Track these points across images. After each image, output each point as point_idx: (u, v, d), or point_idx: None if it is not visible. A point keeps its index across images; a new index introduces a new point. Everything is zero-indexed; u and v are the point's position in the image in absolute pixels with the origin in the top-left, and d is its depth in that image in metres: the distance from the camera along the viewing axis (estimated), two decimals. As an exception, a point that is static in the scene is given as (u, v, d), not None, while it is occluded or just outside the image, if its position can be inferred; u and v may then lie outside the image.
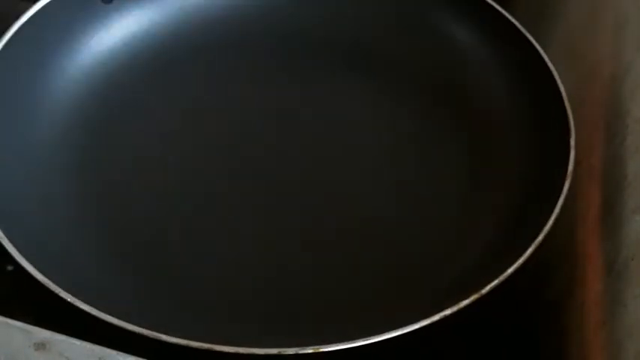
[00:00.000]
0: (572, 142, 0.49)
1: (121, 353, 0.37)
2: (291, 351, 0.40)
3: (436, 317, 0.41)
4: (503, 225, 0.50)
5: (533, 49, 0.55)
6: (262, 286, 0.49)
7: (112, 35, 0.59)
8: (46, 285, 0.42)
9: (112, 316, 0.40)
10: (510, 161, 0.53)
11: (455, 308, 0.42)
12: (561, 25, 0.63)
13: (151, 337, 0.40)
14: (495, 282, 0.43)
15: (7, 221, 0.45)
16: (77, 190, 0.52)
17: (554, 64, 0.54)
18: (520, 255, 0.44)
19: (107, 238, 0.50)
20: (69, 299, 0.41)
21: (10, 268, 0.45)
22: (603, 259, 0.45)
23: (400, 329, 0.41)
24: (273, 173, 0.54)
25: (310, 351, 0.40)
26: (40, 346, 0.36)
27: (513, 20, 0.57)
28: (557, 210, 0.46)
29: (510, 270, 0.44)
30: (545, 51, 0.55)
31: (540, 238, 0.45)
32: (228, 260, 0.50)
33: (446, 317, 0.42)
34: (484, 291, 0.43)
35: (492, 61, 0.58)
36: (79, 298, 0.41)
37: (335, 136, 0.56)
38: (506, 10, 0.57)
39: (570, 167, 0.48)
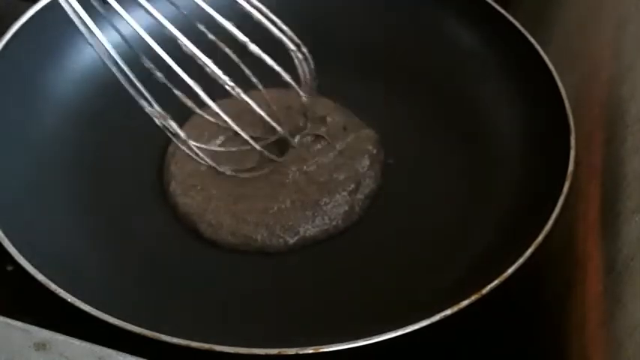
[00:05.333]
0: (573, 142, 0.49)
1: (121, 353, 0.37)
2: (291, 351, 0.40)
3: (436, 317, 0.41)
4: (503, 225, 0.50)
5: (533, 49, 0.55)
6: (262, 287, 0.49)
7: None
8: (46, 285, 0.42)
9: (112, 316, 0.41)
10: (511, 161, 0.53)
11: (455, 308, 0.42)
12: (561, 25, 0.63)
13: (151, 337, 0.40)
14: (495, 282, 0.43)
15: (7, 221, 0.45)
16: (77, 190, 0.52)
17: (554, 64, 0.54)
18: (520, 255, 0.44)
19: (107, 239, 0.50)
20: (69, 299, 0.41)
21: (10, 268, 0.45)
22: (603, 259, 0.45)
23: (400, 329, 0.41)
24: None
25: (310, 351, 0.40)
26: (40, 346, 0.36)
27: (513, 20, 0.57)
28: (557, 210, 0.46)
29: (510, 270, 0.44)
30: (545, 51, 0.55)
31: (540, 238, 0.45)
32: (229, 260, 0.50)
33: (446, 317, 0.42)
34: (484, 291, 0.43)
35: (492, 61, 0.58)
36: (79, 298, 0.41)
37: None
38: (506, 10, 0.57)
39: (570, 167, 0.48)
